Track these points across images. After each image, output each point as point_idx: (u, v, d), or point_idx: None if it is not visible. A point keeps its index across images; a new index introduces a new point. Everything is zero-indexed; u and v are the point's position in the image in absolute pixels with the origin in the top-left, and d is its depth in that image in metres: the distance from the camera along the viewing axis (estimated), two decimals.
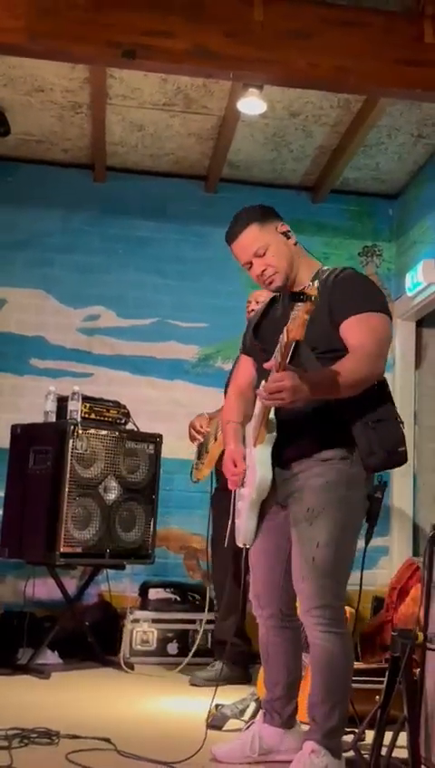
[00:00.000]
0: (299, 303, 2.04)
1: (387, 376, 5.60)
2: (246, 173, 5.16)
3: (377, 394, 2.34)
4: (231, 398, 2.68)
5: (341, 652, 2.31)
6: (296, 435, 2.36)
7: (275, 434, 2.37)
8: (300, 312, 2.04)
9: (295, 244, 2.51)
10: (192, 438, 4.16)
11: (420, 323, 5.31)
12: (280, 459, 2.40)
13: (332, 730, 2.28)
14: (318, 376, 2.22)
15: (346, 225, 5.38)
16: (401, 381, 5.21)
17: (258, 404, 2.40)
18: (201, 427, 4.10)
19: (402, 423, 2.39)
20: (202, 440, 4.12)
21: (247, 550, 2.54)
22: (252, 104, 3.97)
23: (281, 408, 2.33)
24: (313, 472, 2.34)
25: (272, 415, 2.36)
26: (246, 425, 2.56)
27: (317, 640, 2.31)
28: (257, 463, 2.39)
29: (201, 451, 4.16)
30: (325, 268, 2.50)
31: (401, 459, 2.36)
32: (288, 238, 2.49)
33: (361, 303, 2.36)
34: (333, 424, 2.32)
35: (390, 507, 5.11)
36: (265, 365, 2.28)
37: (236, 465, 2.51)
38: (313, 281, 2.42)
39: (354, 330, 2.32)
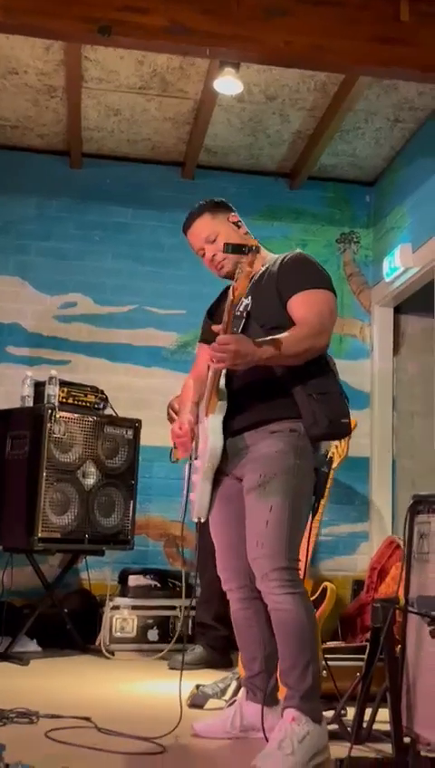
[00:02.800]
0: (243, 258, 2.22)
1: (365, 362, 5.67)
2: (222, 159, 5.15)
3: (321, 367, 2.45)
4: (188, 383, 2.76)
5: (303, 611, 2.32)
6: (246, 405, 2.45)
7: (225, 402, 2.45)
8: (244, 266, 2.21)
9: (246, 234, 2.66)
10: (171, 419, 4.14)
11: (398, 310, 5.32)
12: (231, 428, 2.46)
13: (308, 691, 2.28)
14: (262, 343, 2.32)
15: (324, 212, 5.38)
16: (379, 367, 5.22)
17: (210, 374, 2.47)
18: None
19: (347, 397, 2.48)
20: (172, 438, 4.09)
21: (203, 523, 2.56)
22: (228, 84, 3.96)
23: (232, 379, 2.44)
24: (263, 443, 2.42)
25: (222, 384, 2.45)
26: (200, 404, 2.61)
27: (278, 604, 2.33)
28: (209, 431, 2.45)
29: None
30: (275, 255, 2.63)
31: (343, 430, 2.46)
32: (239, 227, 2.65)
33: (306, 281, 2.49)
34: (281, 396, 2.42)
35: (369, 493, 5.12)
36: (214, 327, 2.39)
37: (181, 429, 2.58)
38: (264, 266, 2.57)
39: (300, 305, 2.45)
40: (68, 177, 5.16)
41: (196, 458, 2.55)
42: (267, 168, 5.24)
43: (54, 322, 5.03)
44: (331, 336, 2.47)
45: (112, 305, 5.09)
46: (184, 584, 4.05)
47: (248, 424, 2.44)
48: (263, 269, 2.57)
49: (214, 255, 2.60)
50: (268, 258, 2.63)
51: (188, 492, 2.61)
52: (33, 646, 4.04)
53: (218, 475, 2.51)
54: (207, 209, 2.65)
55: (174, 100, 4.52)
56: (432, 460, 4.55)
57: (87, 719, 2.55)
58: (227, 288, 2.71)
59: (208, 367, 2.53)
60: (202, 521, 2.55)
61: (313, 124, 4.71)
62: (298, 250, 2.65)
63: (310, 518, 2.50)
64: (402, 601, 2.23)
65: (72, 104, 4.53)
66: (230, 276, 2.59)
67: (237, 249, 2.31)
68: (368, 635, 2.38)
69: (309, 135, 4.82)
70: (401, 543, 2.87)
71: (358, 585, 4.29)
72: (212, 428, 2.45)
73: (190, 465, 3.97)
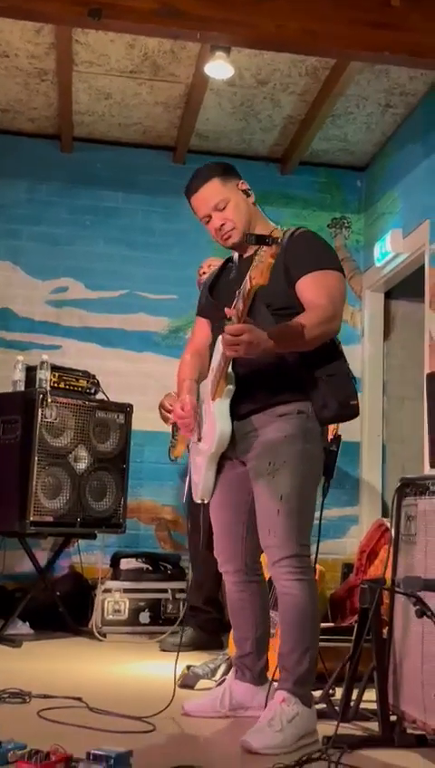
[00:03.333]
0: (264, 248, 2.04)
1: (356, 347, 5.70)
2: (214, 144, 5.14)
3: (330, 350, 2.40)
4: (187, 358, 2.70)
5: (309, 599, 2.34)
6: (253, 389, 2.40)
7: (233, 387, 2.40)
8: (265, 256, 2.05)
9: (254, 204, 2.54)
10: (164, 419, 4.14)
11: (389, 295, 5.34)
12: (238, 413, 2.43)
13: (302, 677, 2.31)
14: (275, 332, 2.25)
15: (315, 197, 5.38)
16: (369, 353, 5.24)
17: (217, 358, 2.43)
18: (171, 406, 4.08)
19: (354, 378, 2.45)
20: (173, 419, 4.09)
21: (205, 505, 2.57)
22: (219, 68, 3.95)
23: (238, 363, 2.38)
24: (271, 427, 2.39)
25: (231, 368, 2.39)
26: (200, 382, 2.59)
27: (286, 589, 2.34)
28: (217, 416, 2.41)
29: (175, 429, 4.16)
30: (281, 229, 2.54)
31: (352, 412, 2.42)
32: (248, 196, 2.52)
33: (316, 261, 2.41)
34: (289, 378, 2.38)
35: (359, 477, 5.16)
36: (226, 310, 2.30)
37: (183, 409, 2.52)
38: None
39: (310, 288, 2.37)
40: (59, 161, 5.15)
41: (199, 440, 2.52)
42: (259, 152, 5.24)
43: (46, 307, 5.03)
44: (341, 320, 2.41)
45: (104, 290, 5.10)
46: (191, 567, 4.05)
47: (255, 407, 2.41)
48: None
49: (222, 225, 2.47)
50: (269, 229, 2.49)
51: (190, 473, 2.59)
52: (25, 628, 4.07)
53: (221, 460, 2.49)
54: (217, 174, 2.48)
55: (165, 84, 4.51)
56: (422, 444, 4.58)
57: (78, 699, 2.58)
58: (227, 260, 2.65)
59: (211, 346, 2.49)
60: (206, 502, 2.54)
61: (304, 109, 4.70)
62: (305, 227, 2.54)
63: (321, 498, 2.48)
64: (389, 582, 2.26)
65: (63, 88, 4.51)
66: (235, 247, 2.53)
67: (261, 240, 2.10)
68: (357, 617, 2.41)
69: (300, 120, 4.82)
70: (389, 524, 2.90)
71: (348, 568, 4.34)
72: (220, 413, 2.41)
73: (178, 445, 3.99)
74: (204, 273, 3.96)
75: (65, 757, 1.86)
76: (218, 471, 2.51)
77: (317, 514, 2.46)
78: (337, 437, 2.49)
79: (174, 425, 4.13)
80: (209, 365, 2.53)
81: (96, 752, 1.84)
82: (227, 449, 2.45)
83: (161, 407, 4.11)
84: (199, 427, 2.52)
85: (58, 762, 1.84)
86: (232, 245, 2.53)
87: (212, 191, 2.46)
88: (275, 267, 2.25)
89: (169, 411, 4.08)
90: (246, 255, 2.52)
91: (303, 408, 2.38)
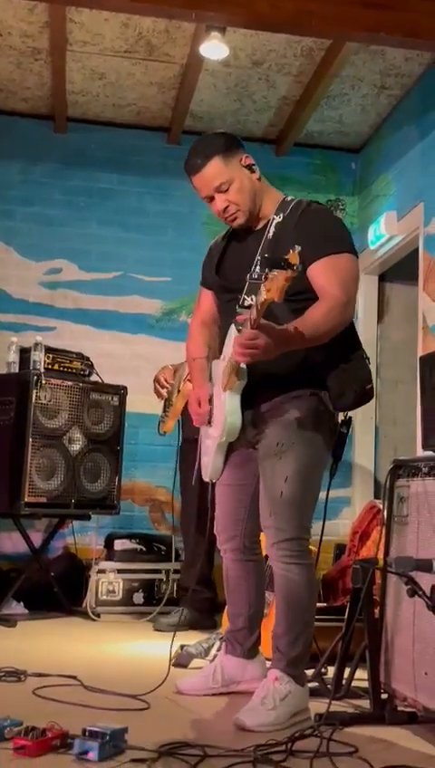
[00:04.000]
0: (276, 271, 1.96)
1: None
2: (208, 125, 5.10)
3: (345, 335, 2.34)
4: (195, 333, 2.65)
5: (305, 583, 2.35)
6: (267, 379, 2.36)
7: (245, 381, 2.36)
8: (280, 278, 1.97)
9: (259, 179, 2.44)
10: (157, 393, 4.14)
11: (383, 278, 5.35)
12: (250, 401, 2.40)
13: (295, 659, 2.33)
14: (289, 332, 2.19)
15: (310, 179, 5.37)
16: (363, 335, 5.11)
17: (229, 348, 2.38)
18: (165, 380, 4.09)
19: (368, 360, 2.42)
20: (166, 395, 4.10)
21: (213, 485, 2.57)
22: (214, 48, 3.92)
23: None
24: (282, 409, 2.37)
25: (243, 363, 2.33)
26: (211, 359, 2.56)
27: (282, 572, 2.35)
28: (227, 409, 2.39)
29: (166, 404, 4.16)
30: (289, 199, 2.47)
31: (369, 397, 2.41)
32: (252, 172, 2.42)
33: (328, 244, 2.33)
34: (304, 368, 2.35)
35: (352, 459, 5.19)
36: (238, 318, 2.26)
37: (200, 406, 2.51)
38: (277, 213, 2.41)
39: (323, 274, 2.30)
40: (53, 141, 5.12)
41: (209, 423, 2.51)
42: (254, 134, 5.21)
43: (40, 289, 5.02)
44: (355, 305, 2.35)
45: (98, 272, 5.09)
46: (205, 549, 4.06)
47: (268, 396, 2.38)
48: (278, 219, 2.37)
49: (226, 207, 2.38)
50: (279, 201, 2.42)
51: (200, 455, 2.60)
52: (20, 608, 4.10)
53: (232, 444, 2.47)
54: (218, 151, 2.35)
55: (160, 64, 4.48)
56: (414, 427, 4.60)
57: (73, 677, 2.61)
58: (230, 235, 2.56)
59: (223, 328, 2.46)
60: (214, 482, 2.54)
61: (299, 90, 4.68)
62: (316, 201, 2.45)
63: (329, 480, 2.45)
64: (381, 563, 2.29)
65: (57, 67, 4.48)
66: (242, 227, 2.45)
67: (276, 264, 1.98)
68: (349, 597, 2.44)
69: (295, 101, 4.80)
70: (382, 506, 2.92)
71: (340, 549, 4.36)
72: (230, 407, 2.37)
73: (186, 441, 3.96)
74: None
75: (61, 734, 1.89)
76: (229, 454, 2.51)
77: (322, 495, 2.44)
78: (348, 420, 2.46)
79: (166, 399, 4.12)
80: (219, 338, 2.50)
81: (92, 728, 1.86)
82: (238, 438, 2.44)
83: (156, 381, 4.10)
84: (210, 413, 2.51)
85: (54, 738, 1.87)
86: (238, 226, 2.46)
87: (214, 171, 2.35)
88: (286, 244, 2.19)
89: (163, 387, 4.08)
90: (256, 229, 2.45)
91: (316, 390, 2.35)
